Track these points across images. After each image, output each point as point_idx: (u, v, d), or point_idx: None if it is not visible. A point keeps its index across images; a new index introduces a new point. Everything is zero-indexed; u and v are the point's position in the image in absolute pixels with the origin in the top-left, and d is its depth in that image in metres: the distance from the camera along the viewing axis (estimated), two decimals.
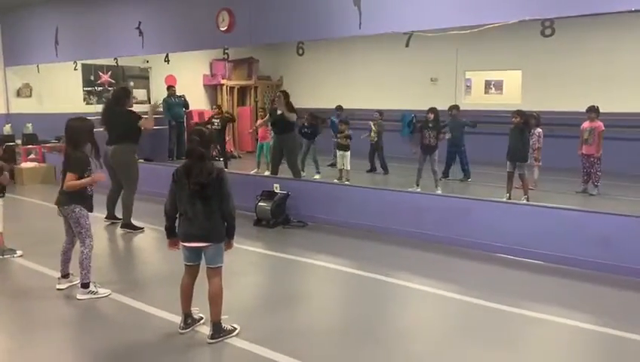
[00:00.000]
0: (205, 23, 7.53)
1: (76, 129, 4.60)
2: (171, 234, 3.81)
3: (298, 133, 9.54)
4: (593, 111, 8.66)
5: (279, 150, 8.81)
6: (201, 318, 3.96)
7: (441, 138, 8.98)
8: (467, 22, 5.44)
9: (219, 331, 3.71)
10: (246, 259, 5.81)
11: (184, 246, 3.76)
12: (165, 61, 8.42)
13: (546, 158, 8.93)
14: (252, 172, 10.10)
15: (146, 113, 7.44)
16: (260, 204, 7.06)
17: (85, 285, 4.55)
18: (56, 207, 4.65)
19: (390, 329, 4.10)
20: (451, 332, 4.08)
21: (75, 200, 4.53)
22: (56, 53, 9.78)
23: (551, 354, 3.74)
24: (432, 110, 8.92)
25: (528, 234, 5.59)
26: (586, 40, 11.12)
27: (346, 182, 9.14)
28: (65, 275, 4.78)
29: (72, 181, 4.47)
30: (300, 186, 7.46)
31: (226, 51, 7.64)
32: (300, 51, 6.79)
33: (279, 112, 8.64)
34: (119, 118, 6.71)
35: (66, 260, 4.77)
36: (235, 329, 3.81)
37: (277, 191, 7.17)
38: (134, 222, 6.85)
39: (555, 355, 3.73)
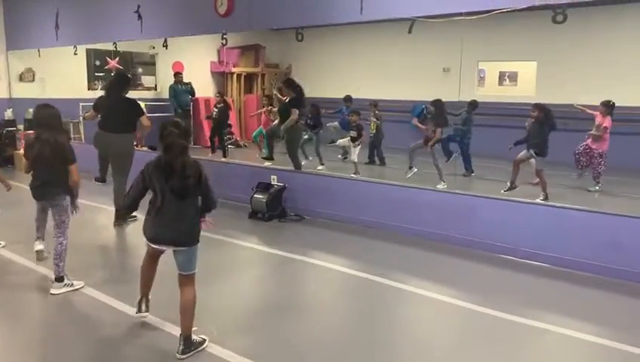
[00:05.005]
0: (204, 6, 7.26)
1: (53, 114, 4.42)
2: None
3: (303, 124, 9.28)
4: (603, 105, 8.35)
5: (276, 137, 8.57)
6: (204, 340, 3.49)
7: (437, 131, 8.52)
8: (473, 7, 5.11)
9: (189, 345, 3.37)
10: (238, 255, 5.57)
11: (152, 247, 3.48)
12: (163, 46, 8.19)
13: (560, 153, 8.51)
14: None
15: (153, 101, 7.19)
16: (255, 195, 6.81)
17: (60, 278, 4.34)
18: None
19: (389, 341, 3.74)
20: (455, 344, 3.73)
21: (67, 191, 4.45)
22: (56, 37, 9.59)
23: None
24: (434, 102, 8.59)
25: (533, 234, 5.27)
26: (606, 29, 10.63)
27: (353, 175, 8.82)
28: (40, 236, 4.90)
29: (77, 173, 4.44)
30: (297, 178, 7.18)
31: (225, 36, 7.35)
32: (300, 37, 6.49)
33: (286, 99, 8.33)
34: (123, 105, 6.41)
35: (42, 226, 4.84)
36: (205, 340, 3.47)
37: (274, 183, 6.91)
38: None
39: None
